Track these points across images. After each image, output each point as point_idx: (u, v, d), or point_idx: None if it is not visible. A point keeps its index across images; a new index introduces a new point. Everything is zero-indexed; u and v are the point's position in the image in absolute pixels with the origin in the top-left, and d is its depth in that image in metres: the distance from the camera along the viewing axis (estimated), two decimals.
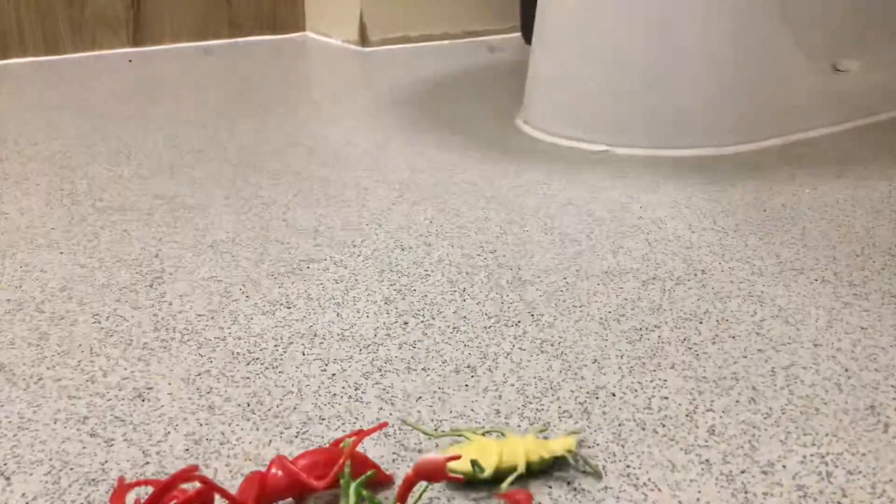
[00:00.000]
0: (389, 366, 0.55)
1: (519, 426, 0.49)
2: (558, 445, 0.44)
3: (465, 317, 0.62)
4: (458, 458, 0.39)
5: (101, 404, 0.51)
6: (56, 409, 0.51)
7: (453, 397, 0.52)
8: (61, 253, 0.73)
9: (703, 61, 1.00)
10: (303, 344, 0.58)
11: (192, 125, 1.14)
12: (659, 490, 0.43)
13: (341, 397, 0.52)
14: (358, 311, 0.63)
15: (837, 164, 0.96)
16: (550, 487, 0.44)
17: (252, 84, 1.39)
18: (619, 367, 0.55)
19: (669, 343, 0.58)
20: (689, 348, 0.57)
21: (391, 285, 0.67)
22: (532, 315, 0.62)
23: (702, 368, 0.55)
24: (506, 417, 0.50)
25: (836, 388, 0.53)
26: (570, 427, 0.49)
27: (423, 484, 0.43)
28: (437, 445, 0.47)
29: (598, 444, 0.47)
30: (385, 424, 0.42)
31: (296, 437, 0.48)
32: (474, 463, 0.42)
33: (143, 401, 0.52)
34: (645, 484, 0.44)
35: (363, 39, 1.71)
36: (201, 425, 0.49)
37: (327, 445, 0.47)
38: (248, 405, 0.51)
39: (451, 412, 0.50)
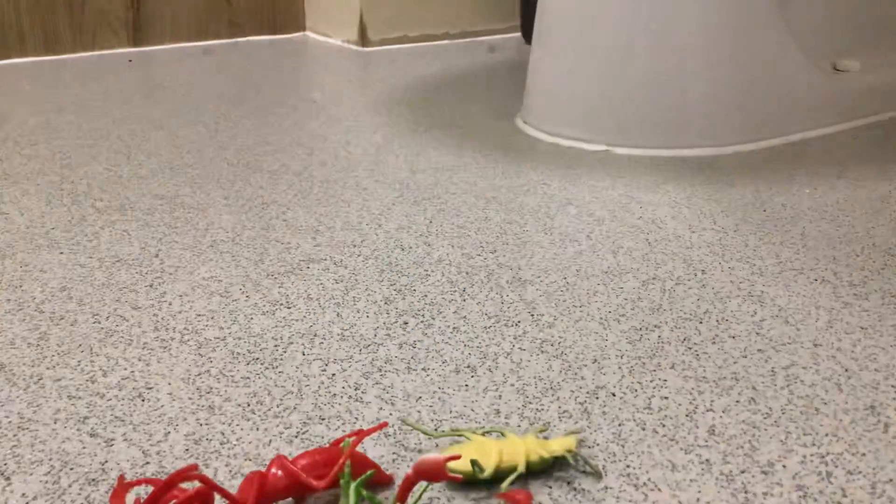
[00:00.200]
0: (389, 366, 0.55)
1: (519, 426, 0.49)
2: (558, 445, 0.44)
3: (465, 317, 0.62)
4: (458, 457, 0.39)
5: (101, 404, 0.51)
6: (56, 409, 0.51)
7: (453, 397, 0.52)
8: (61, 253, 0.73)
9: (703, 61, 1.00)
10: (303, 344, 0.58)
11: (192, 125, 1.14)
12: (659, 490, 0.43)
13: (341, 397, 0.52)
14: (358, 311, 0.63)
15: (837, 164, 0.96)
16: (550, 487, 0.44)
17: (252, 84, 1.39)
18: (619, 367, 0.55)
19: (669, 343, 0.58)
20: (689, 348, 0.57)
21: (391, 285, 0.67)
22: (532, 315, 0.62)
23: (702, 368, 0.55)
24: (506, 417, 0.50)
25: (836, 388, 0.53)
26: (570, 427, 0.49)
27: (423, 484, 0.43)
28: (437, 445, 0.47)
29: (598, 444, 0.47)
30: (385, 424, 0.42)
31: (296, 437, 0.48)
32: (474, 463, 0.42)
33: (143, 401, 0.52)
34: (645, 484, 0.44)
35: (363, 39, 1.71)
36: (201, 425, 0.49)
37: (327, 445, 0.47)
38: (248, 405, 0.51)
39: (451, 412, 0.50)
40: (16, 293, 0.66)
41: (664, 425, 0.49)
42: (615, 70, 1.02)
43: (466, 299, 0.64)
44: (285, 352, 0.57)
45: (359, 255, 0.72)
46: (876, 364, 0.55)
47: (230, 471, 0.45)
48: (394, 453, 0.46)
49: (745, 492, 0.43)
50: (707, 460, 0.46)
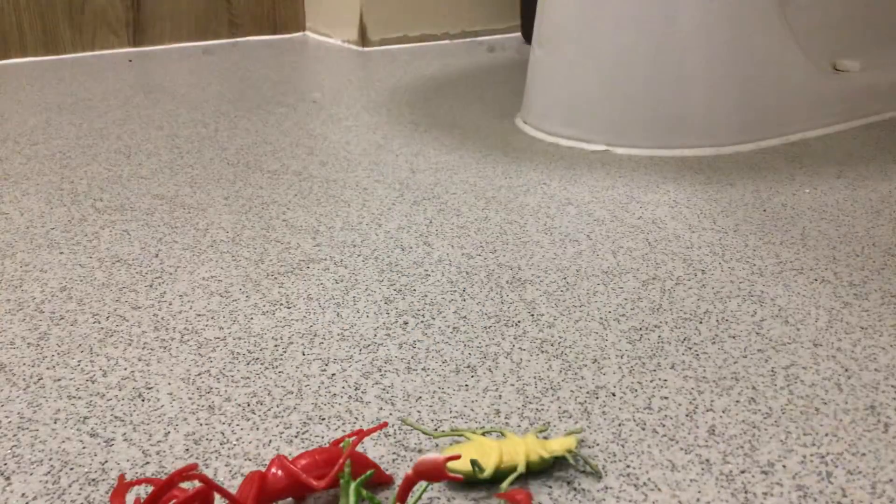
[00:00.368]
0: (389, 366, 0.55)
1: (519, 426, 0.49)
2: (558, 445, 0.44)
3: (465, 317, 0.62)
4: (457, 457, 0.39)
5: (101, 404, 0.51)
6: (56, 409, 0.51)
7: (453, 397, 0.52)
8: (61, 253, 0.73)
9: (703, 61, 1.00)
10: (303, 344, 0.58)
11: (192, 125, 1.14)
12: (659, 490, 0.43)
13: (341, 397, 0.52)
14: (358, 311, 0.63)
15: (837, 164, 0.96)
16: (550, 487, 0.44)
17: (252, 84, 1.39)
18: (619, 367, 0.55)
19: (669, 343, 0.58)
20: (689, 348, 0.57)
21: (391, 285, 0.67)
22: (532, 315, 0.62)
23: (702, 368, 0.55)
24: (506, 417, 0.50)
25: (836, 388, 0.53)
26: (570, 427, 0.49)
27: (423, 484, 0.43)
28: (437, 445, 0.47)
29: (598, 444, 0.47)
30: (385, 424, 0.42)
31: (296, 437, 0.48)
32: (474, 463, 0.42)
33: (143, 401, 0.52)
34: (645, 484, 0.44)
35: (363, 39, 1.71)
36: (201, 425, 0.49)
37: (327, 445, 0.47)
38: (248, 405, 0.51)
39: (451, 412, 0.50)
40: (16, 293, 0.66)
41: (664, 425, 0.49)
42: (615, 70, 1.02)
43: (466, 299, 0.64)
44: (285, 352, 0.57)
45: (359, 255, 0.72)
46: (876, 364, 0.55)
47: (230, 471, 0.45)
48: (394, 453, 0.46)
49: (745, 492, 0.43)
50: (707, 460, 0.46)
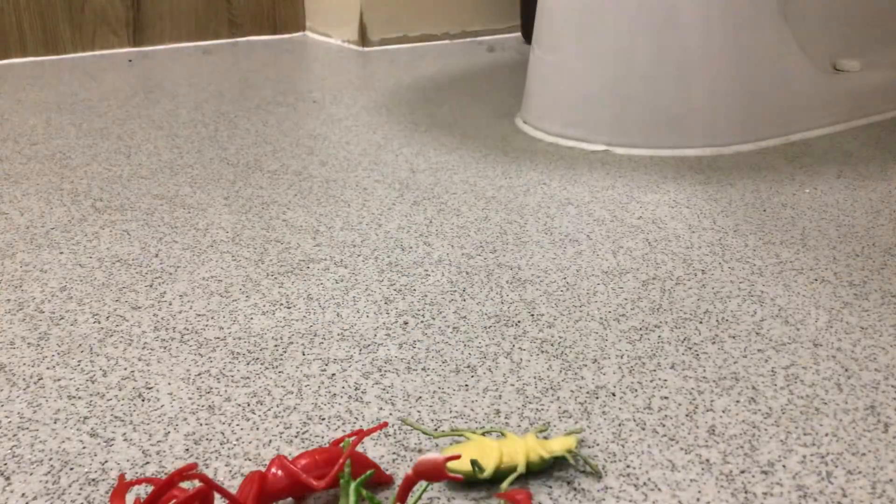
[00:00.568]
0: (389, 366, 0.55)
1: (519, 426, 0.49)
2: (558, 445, 0.44)
3: (465, 317, 0.62)
4: (457, 457, 0.39)
5: (101, 404, 0.51)
6: (56, 409, 0.51)
7: (453, 397, 0.52)
8: (61, 253, 0.73)
9: (703, 61, 1.00)
10: (303, 344, 0.58)
11: (192, 125, 1.14)
12: (659, 490, 0.43)
13: (341, 397, 0.52)
14: (358, 311, 0.63)
15: (837, 164, 0.96)
16: (550, 487, 0.44)
17: (252, 84, 1.39)
18: (619, 367, 0.55)
19: (669, 343, 0.58)
20: (689, 348, 0.57)
21: (391, 285, 0.67)
22: (532, 315, 0.62)
23: (702, 368, 0.55)
24: (506, 417, 0.50)
25: (836, 388, 0.53)
26: (570, 427, 0.49)
27: (423, 484, 0.43)
28: (437, 445, 0.47)
29: (598, 444, 0.47)
30: (385, 424, 0.42)
31: (296, 437, 0.48)
32: (474, 463, 0.42)
33: (143, 401, 0.52)
34: (645, 484, 0.44)
35: (363, 39, 1.71)
36: (201, 425, 0.49)
37: (327, 445, 0.47)
38: (248, 405, 0.51)
39: (451, 412, 0.50)
40: (16, 293, 0.66)
41: (664, 425, 0.49)
42: (615, 70, 1.02)
43: (466, 299, 0.64)
44: (285, 352, 0.57)
45: (359, 255, 0.72)
46: (876, 364, 0.55)
47: (230, 471, 0.45)
48: (394, 453, 0.46)
49: (745, 492, 0.43)
50: (707, 460, 0.46)
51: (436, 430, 0.48)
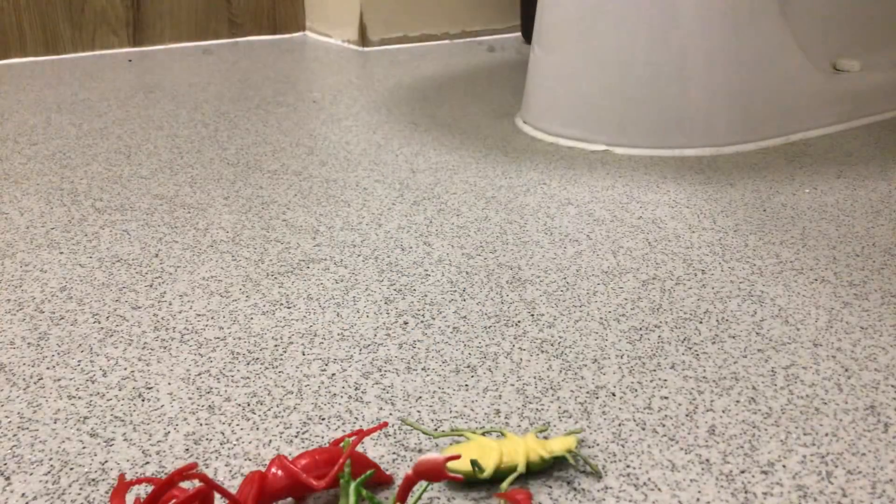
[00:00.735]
0: (389, 366, 0.55)
1: (519, 426, 0.49)
2: (558, 445, 0.44)
3: (465, 317, 0.62)
4: (457, 457, 0.39)
5: (101, 404, 0.51)
6: (56, 409, 0.51)
7: (453, 397, 0.52)
8: (61, 253, 0.73)
9: (703, 61, 1.00)
10: (303, 344, 0.58)
11: (192, 125, 1.14)
12: (659, 490, 0.43)
13: (341, 397, 0.52)
14: (358, 311, 0.63)
15: (837, 164, 0.96)
16: (550, 487, 0.44)
17: (252, 84, 1.39)
18: (619, 367, 0.55)
19: (669, 343, 0.58)
20: (689, 348, 0.57)
21: (391, 285, 0.67)
22: (532, 315, 0.62)
23: (702, 368, 0.55)
24: (506, 417, 0.50)
25: (836, 388, 0.53)
26: (570, 427, 0.49)
27: (423, 483, 0.42)
28: (437, 445, 0.47)
29: (598, 444, 0.47)
30: (385, 424, 0.42)
31: (296, 437, 0.48)
32: (474, 463, 0.42)
33: (143, 401, 0.52)
34: (645, 484, 0.44)
35: (363, 39, 1.71)
36: (201, 425, 0.49)
37: (327, 445, 0.47)
38: (248, 405, 0.51)
39: (451, 412, 0.50)
40: (16, 293, 0.66)
41: (664, 425, 0.49)
42: (615, 70, 1.02)
43: (466, 299, 0.64)
44: (285, 352, 0.57)
45: (359, 255, 0.72)
46: (876, 364, 0.55)
47: (230, 471, 0.45)
48: (394, 453, 0.46)
49: (745, 492, 0.43)
50: (707, 460, 0.46)
51: (436, 430, 0.48)
